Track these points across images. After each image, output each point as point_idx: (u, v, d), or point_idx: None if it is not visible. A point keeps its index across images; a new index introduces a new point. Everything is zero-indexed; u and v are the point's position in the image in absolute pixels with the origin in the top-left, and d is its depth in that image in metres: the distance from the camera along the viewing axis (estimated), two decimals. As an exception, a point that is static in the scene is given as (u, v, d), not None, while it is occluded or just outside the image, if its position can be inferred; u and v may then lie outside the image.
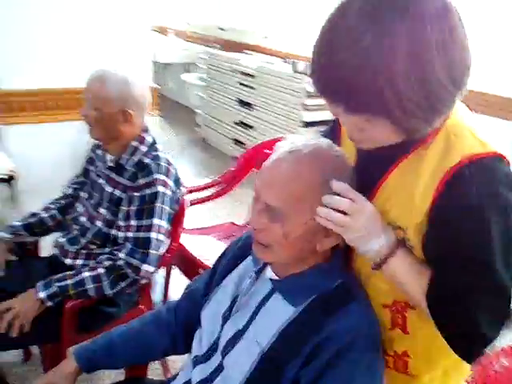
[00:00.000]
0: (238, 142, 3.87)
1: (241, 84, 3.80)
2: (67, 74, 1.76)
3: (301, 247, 0.78)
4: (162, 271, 1.61)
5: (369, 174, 0.79)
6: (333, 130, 0.96)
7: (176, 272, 1.76)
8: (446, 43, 0.62)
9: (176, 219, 1.46)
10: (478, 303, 0.70)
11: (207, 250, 1.73)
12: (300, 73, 3.12)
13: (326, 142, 0.80)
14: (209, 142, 4.43)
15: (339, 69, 0.64)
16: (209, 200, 1.90)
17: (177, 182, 1.43)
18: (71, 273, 1.29)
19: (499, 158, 0.70)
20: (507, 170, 0.71)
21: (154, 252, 1.31)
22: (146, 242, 1.30)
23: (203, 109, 4.51)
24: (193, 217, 2.02)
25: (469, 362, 0.77)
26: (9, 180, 1.76)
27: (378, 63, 0.61)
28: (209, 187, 1.91)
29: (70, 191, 1.60)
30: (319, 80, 0.68)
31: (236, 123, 3.91)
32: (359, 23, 0.62)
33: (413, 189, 0.74)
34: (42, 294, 1.23)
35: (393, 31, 0.61)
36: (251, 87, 3.65)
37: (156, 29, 6.11)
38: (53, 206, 1.57)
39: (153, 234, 1.31)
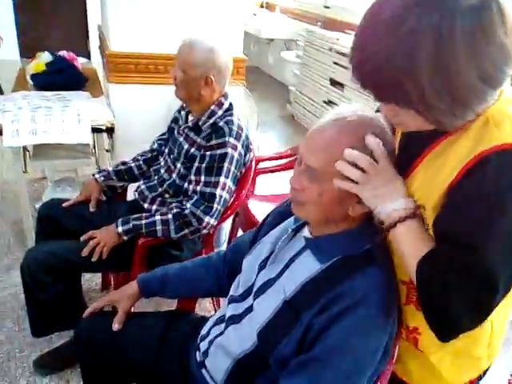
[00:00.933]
0: (325, 121, 3.86)
1: (335, 63, 3.77)
2: (166, 40, 1.92)
3: (333, 209, 0.84)
4: (228, 227, 1.73)
5: (408, 153, 0.82)
6: None
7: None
8: (475, 41, 0.62)
9: (242, 181, 1.57)
10: (459, 285, 0.69)
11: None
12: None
13: (371, 112, 0.84)
14: (297, 118, 4.49)
15: (367, 63, 0.69)
16: (278, 171, 1.99)
17: (246, 147, 1.54)
18: (146, 215, 1.48)
19: None
20: None
21: (216, 206, 1.44)
22: (212, 197, 1.44)
23: (296, 86, 4.56)
24: (264, 184, 2.13)
25: (441, 340, 0.77)
26: (110, 131, 2.01)
27: (401, 59, 0.64)
28: (280, 158, 2.00)
29: (155, 146, 1.80)
30: (353, 72, 0.73)
31: (325, 102, 3.91)
32: (387, 22, 0.65)
33: (439, 171, 0.76)
34: (120, 229, 1.44)
35: (419, 27, 0.62)
36: (345, 67, 3.61)
37: (264, 5, 6.24)
38: (140, 158, 1.78)
39: (218, 191, 1.44)
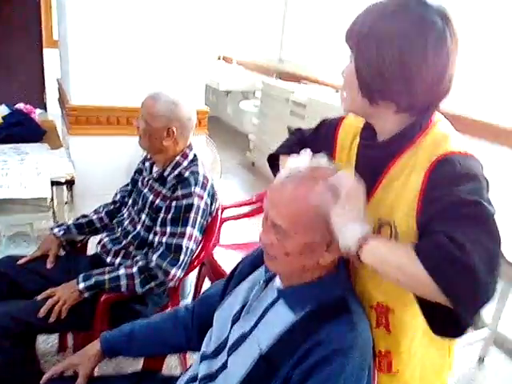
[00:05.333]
0: (285, 168, 3.96)
1: (292, 113, 3.93)
2: (128, 94, 1.94)
3: (303, 262, 0.85)
4: (194, 278, 1.70)
5: (366, 178, 0.86)
6: (327, 137, 1.04)
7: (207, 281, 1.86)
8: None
9: (208, 230, 1.56)
10: (475, 244, 0.67)
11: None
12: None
13: (323, 160, 0.87)
14: (257, 165, 4.58)
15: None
16: (243, 217, 2.00)
17: (212, 196, 1.55)
18: (109, 269, 1.43)
19: (473, 157, 0.82)
20: (479, 163, 0.81)
21: (183, 257, 1.42)
22: (178, 248, 1.41)
23: (255, 134, 4.69)
24: (229, 232, 2.12)
25: (466, 325, 0.75)
26: (69, 184, 1.96)
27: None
28: (244, 205, 2.01)
29: (118, 197, 1.77)
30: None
31: (285, 150, 4.02)
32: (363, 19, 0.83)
33: (405, 184, 0.84)
34: (82, 285, 1.38)
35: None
36: (302, 117, 3.77)
37: (221, 57, 6.49)
38: (101, 210, 1.74)
39: (185, 242, 1.42)
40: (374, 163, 0.90)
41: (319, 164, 0.86)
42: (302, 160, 0.86)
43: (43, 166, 1.88)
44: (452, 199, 0.73)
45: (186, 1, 2.06)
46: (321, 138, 1.07)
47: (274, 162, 1.13)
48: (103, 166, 2.10)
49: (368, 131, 0.94)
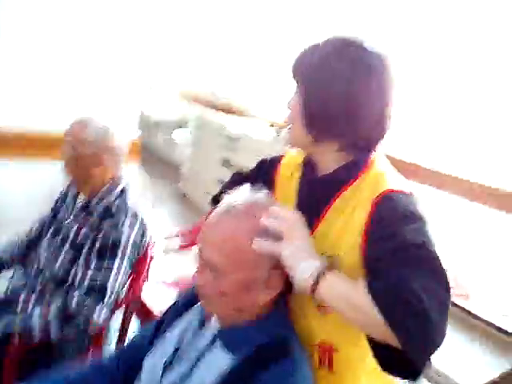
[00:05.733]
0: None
1: (225, 146, 3.93)
2: (54, 117, 1.81)
3: (240, 301, 0.81)
4: (119, 317, 1.56)
5: (308, 213, 0.87)
6: (266, 176, 1.04)
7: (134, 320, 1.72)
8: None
9: (138, 266, 1.46)
10: (426, 288, 0.68)
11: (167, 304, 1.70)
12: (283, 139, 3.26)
13: (261, 195, 0.86)
14: (189, 197, 4.48)
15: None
16: (182, 249, 1.89)
17: (142, 229, 1.45)
18: (21, 306, 1.26)
19: (411, 194, 0.85)
20: (415, 199, 0.84)
21: (109, 295, 1.30)
22: (103, 285, 1.29)
23: (187, 165, 4.61)
24: (158, 266, 2.00)
25: (419, 369, 0.72)
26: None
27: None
28: (180, 235, 1.91)
29: (36, 227, 1.60)
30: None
31: (219, 181, 3.99)
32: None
33: (348, 219, 0.84)
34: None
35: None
36: (235, 149, 3.79)
37: (152, 87, 6.40)
38: (15, 243, 1.56)
39: (111, 277, 1.30)
40: (316, 198, 0.91)
41: (256, 199, 0.84)
42: (239, 195, 0.84)
43: None
44: (398, 240, 0.74)
45: (123, 25, 2.01)
46: (260, 177, 1.06)
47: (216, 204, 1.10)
48: (21, 193, 1.91)
49: (308, 167, 0.95)
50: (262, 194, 0.85)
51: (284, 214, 0.80)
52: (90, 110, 1.87)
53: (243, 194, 0.85)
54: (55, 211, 1.56)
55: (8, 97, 1.82)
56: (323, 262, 0.77)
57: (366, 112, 0.82)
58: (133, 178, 2.17)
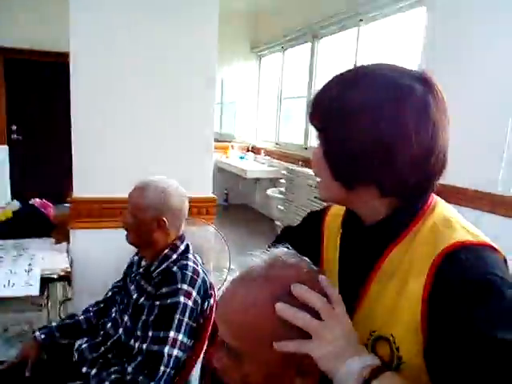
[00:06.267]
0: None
1: (315, 198, 3.81)
2: (129, 185, 1.88)
3: None
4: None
5: (351, 280, 0.71)
6: (313, 231, 0.88)
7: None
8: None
9: (201, 334, 1.36)
10: None
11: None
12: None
13: (282, 255, 0.68)
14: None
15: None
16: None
17: (204, 292, 1.37)
18: (85, 371, 1.24)
19: (490, 248, 0.64)
20: (500, 258, 0.64)
21: (164, 369, 1.21)
22: (158, 357, 1.21)
23: (281, 220, 4.56)
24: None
25: None
26: (64, 280, 1.85)
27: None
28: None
29: (109, 294, 1.62)
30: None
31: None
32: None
33: (398, 286, 0.65)
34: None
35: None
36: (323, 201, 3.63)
37: (250, 149, 6.66)
38: (92, 309, 1.59)
39: (167, 349, 1.22)
40: (359, 258, 0.73)
41: (282, 258, 0.67)
42: (263, 256, 0.68)
43: (37, 262, 1.79)
44: (473, 334, 0.54)
45: (195, 88, 2.07)
46: (307, 231, 0.91)
47: None
48: (103, 260, 1.99)
49: (351, 220, 0.77)
50: (283, 253, 0.69)
51: (326, 287, 0.64)
52: (164, 172, 1.92)
53: (268, 254, 0.69)
54: (124, 277, 1.57)
55: (87, 169, 1.95)
56: (374, 361, 0.59)
57: (405, 149, 0.64)
58: (211, 239, 2.17)
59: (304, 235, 0.90)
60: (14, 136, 5.69)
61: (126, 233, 1.42)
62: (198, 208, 2.06)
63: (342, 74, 0.70)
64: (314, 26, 4.76)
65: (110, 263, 1.97)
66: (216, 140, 6.00)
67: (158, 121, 2.03)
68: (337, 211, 0.86)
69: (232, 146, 6.52)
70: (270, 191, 5.24)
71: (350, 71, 0.70)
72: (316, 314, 0.61)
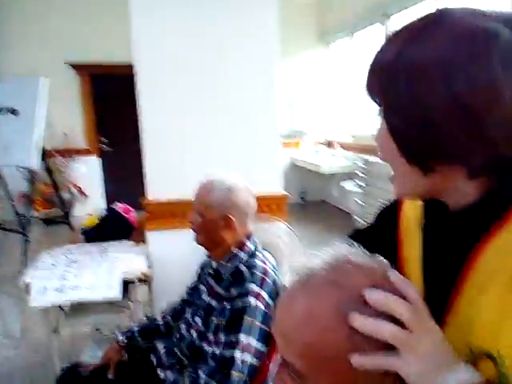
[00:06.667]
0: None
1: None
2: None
3: None
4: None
5: (438, 281, 0.58)
6: (387, 229, 0.74)
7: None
8: None
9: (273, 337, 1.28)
10: None
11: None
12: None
13: (348, 254, 0.56)
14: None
15: None
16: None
17: (276, 294, 1.29)
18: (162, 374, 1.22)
19: None
20: None
21: (238, 376, 1.15)
22: (230, 362, 1.16)
23: (360, 215, 4.35)
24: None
25: None
26: (143, 281, 1.89)
27: None
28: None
29: (185, 296, 1.61)
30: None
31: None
32: None
33: (503, 289, 0.50)
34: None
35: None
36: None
37: (324, 143, 6.49)
38: (169, 312, 1.59)
39: (237, 353, 1.16)
40: (448, 255, 0.59)
41: (349, 258, 0.55)
42: (327, 256, 0.57)
43: (117, 265, 1.84)
44: None
45: (260, 84, 2.02)
46: (380, 230, 0.78)
47: None
48: (180, 261, 2.00)
49: (434, 205, 0.63)
50: (359, 252, 0.57)
51: (406, 289, 0.51)
52: (233, 170, 1.88)
53: (330, 253, 0.58)
54: (198, 279, 1.55)
55: (160, 172, 1.97)
56: (476, 378, 0.48)
57: (496, 109, 0.50)
58: (282, 237, 2.09)
59: (377, 235, 0.77)
60: (103, 147, 6.11)
61: (194, 234, 1.39)
62: (269, 205, 2.00)
63: (408, 25, 0.56)
64: (385, 2, 4.47)
65: (187, 264, 1.98)
66: (288, 136, 5.94)
67: (223, 121, 2.01)
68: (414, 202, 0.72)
69: (304, 141, 6.39)
70: (345, 184, 5.04)
71: (419, 19, 0.55)
72: (397, 323, 0.50)
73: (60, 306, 2.09)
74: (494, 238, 0.54)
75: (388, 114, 0.57)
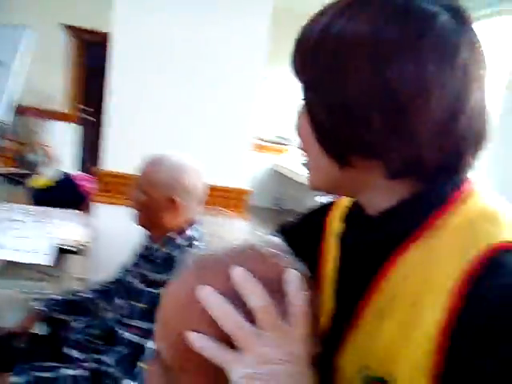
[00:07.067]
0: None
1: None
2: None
3: None
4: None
5: (348, 296, 0.51)
6: (315, 226, 0.66)
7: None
8: None
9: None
10: None
11: None
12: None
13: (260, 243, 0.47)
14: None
15: None
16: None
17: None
18: (52, 365, 1.12)
19: None
20: None
21: (145, 365, 1.06)
22: (141, 351, 1.07)
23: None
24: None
25: None
26: (80, 253, 1.79)
27: None
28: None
29: (117, 275, 1.51)
30: None
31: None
32: None
33: (406, 311, 0.44)
34: (14, 379, 1.08)
35: None
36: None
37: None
38: (98, 288, 1.49)
39: (150, 343, 1.07)
40: (360, 264, 0.51)
41: (252, 245, 0.46)
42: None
43: (54, 231, 1.73)
44: None
45: (234, 82, 1.95)
46: (307, 225, 0.69)
47: None
48: (125, 239, 1.90)
49: (356, 210, 0.55)
50: (282, 248, 0.47)
51: (292, 294, 0.42)
52: (200, 157, 1.80)
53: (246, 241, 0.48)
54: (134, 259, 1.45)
55: (120, 144, 1.87)
56: None
57: (422, 102, 0.42)
58: (241, 233, 2.02)
59: (301, 236, 0.68)
60: (84, 115, 5.93)
61: (134, 213, 1.30)
62: (227, 198, 1.92)
63: (331, 3, 0.47)
64: None
65: (131, 243, 1.89)
66: (273, 142, 5.85)
67: (198, 106, 1.94)
68: (344, 202, 0.63)
69: (291, 149, 6.34)
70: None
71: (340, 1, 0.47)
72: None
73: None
74: (403, 255, 0.46)
75: (307, 94, 0.49)
